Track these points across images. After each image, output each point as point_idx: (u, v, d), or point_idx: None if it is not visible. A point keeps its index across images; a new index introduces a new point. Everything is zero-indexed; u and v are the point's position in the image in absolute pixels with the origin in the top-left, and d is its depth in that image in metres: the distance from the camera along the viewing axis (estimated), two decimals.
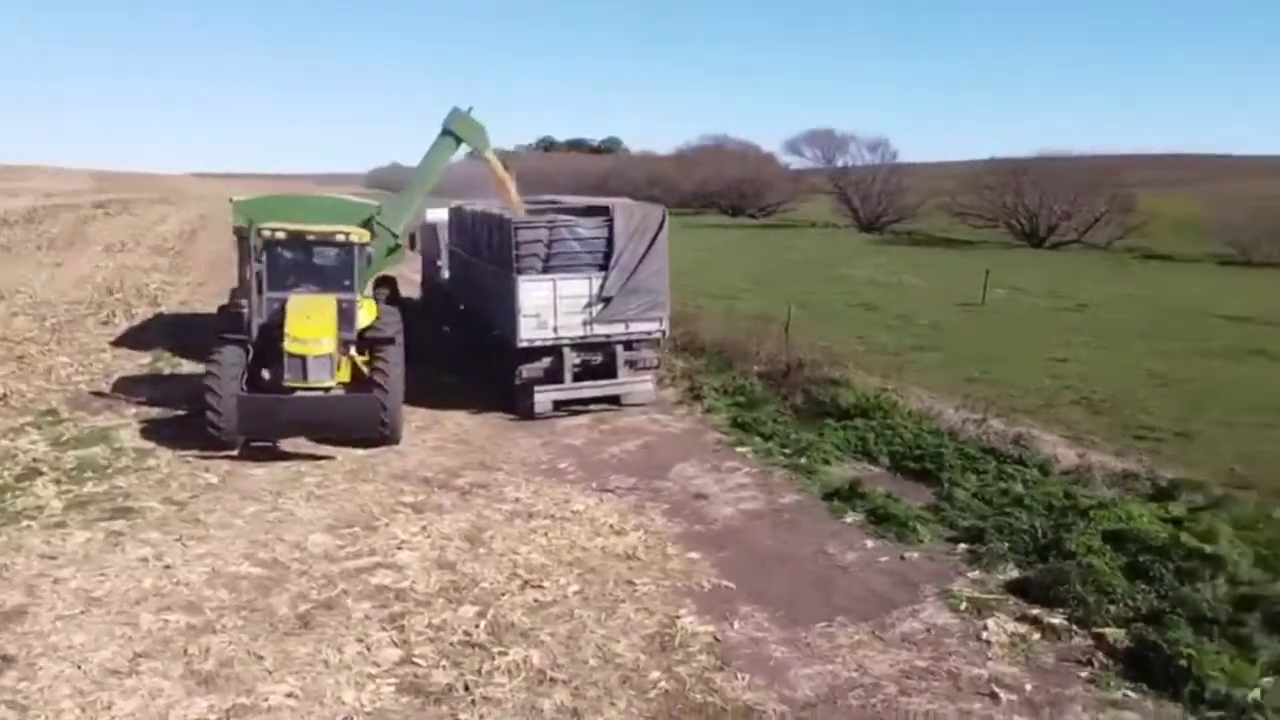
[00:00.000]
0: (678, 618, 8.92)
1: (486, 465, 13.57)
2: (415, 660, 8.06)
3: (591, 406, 16.47)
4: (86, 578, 9.42)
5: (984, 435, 14.09)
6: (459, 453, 14.13)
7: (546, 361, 15.96)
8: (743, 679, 7.86)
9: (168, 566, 9.77)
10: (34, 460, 12.98)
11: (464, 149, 18.74)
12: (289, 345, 13.57)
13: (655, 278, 16.16)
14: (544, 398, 15.94)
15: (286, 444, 13.80)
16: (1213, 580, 9.07)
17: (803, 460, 13.59)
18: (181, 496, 11.89)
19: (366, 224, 17.15)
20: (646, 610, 9.08)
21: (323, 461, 13.37)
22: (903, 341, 23.14)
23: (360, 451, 13.73)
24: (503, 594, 9.34)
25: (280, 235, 14.92)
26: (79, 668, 7.79)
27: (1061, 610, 9.00)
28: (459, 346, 19.94)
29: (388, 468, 13.23)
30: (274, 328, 14.33)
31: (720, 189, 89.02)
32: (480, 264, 17.95)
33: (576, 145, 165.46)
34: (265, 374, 13.92)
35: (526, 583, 9.59)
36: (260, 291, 14.73)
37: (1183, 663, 7.73)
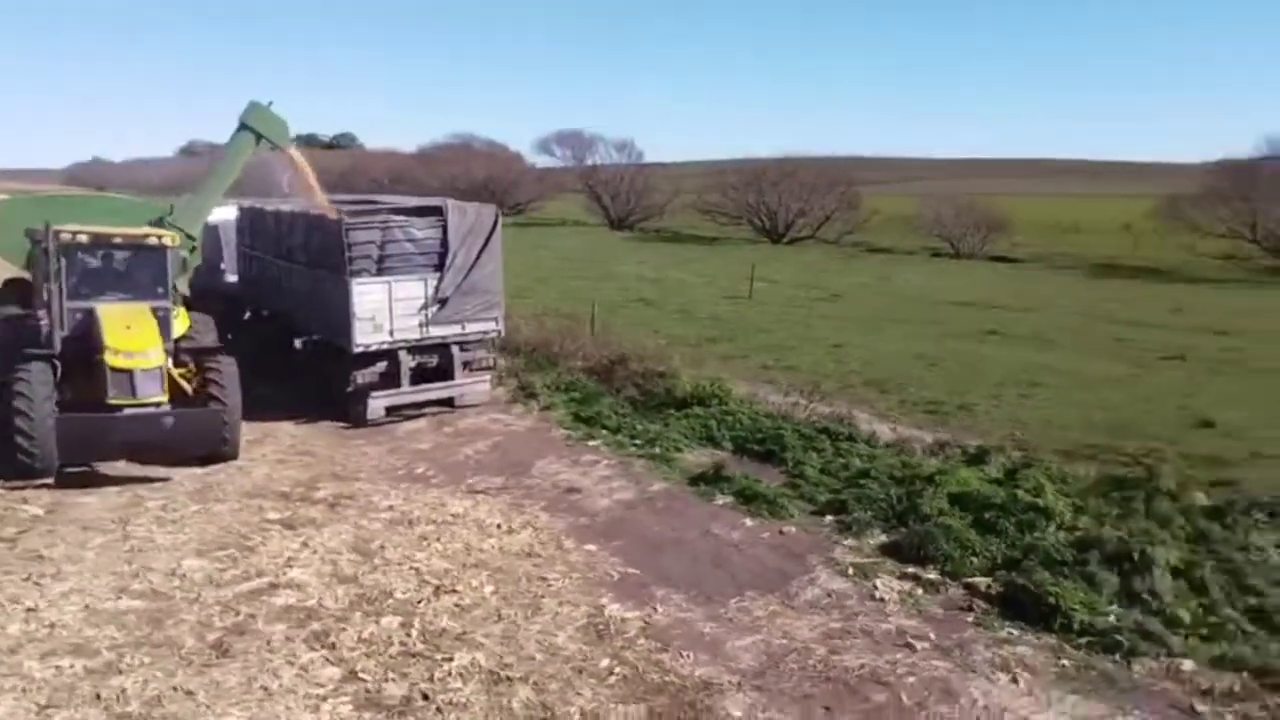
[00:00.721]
0: (602, 606, 9.20)
1: (340, 475, 13.12)
2: (360, 676, 7.85)
3: (425, 409, 16.25)
4: None
5: (811, 416, 15.29)
6: (307, 464, 13.55)
7: (382, 366, 15.57)
8: (688, 656, 8.28)
9: (31, 609, 8.82)
10: None
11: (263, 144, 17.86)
12: (111, 359, 12.45)
13: (491, 278, 16.18)
14: (379, 403, 15.55)
15: (106, 468, 12.68)
16: (1049, 529, 10.52)
17: (656, 450, 14.17)
18: (8, 532, 10.67)
19: (157, 226, 16.04)
20: (569, 603, 9.28)
21: (159, 484, 12.41)
22: (693, 333, 24.31)
23: (197, 470, 12.86)
24: (419, 601, 9.22)
25: (83, 239, 13.64)
26: None
27: (933, 566, 10.11)
28: (260, 355, 18.88)
29: (235, 485, 12.50)
30: (81, 340, 13.12)
31: (468, 187, 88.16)
32: (294, 267, 17.11)
33: (307, 141, 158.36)
34: (64, 392, 12.67)
35: (439, 588, 9.50)
36: (60, 301, 13.37)
37: (1051, 600, 8.98)
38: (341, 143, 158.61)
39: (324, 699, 7.49)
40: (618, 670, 8.03)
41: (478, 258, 15.98)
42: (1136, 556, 9.53)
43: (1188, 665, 8.13)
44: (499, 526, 11.23)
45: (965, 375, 20.05)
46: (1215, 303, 35.61)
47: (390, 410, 15.76)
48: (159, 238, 14.03)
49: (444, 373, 16.18)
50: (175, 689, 7.54)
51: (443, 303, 15.76)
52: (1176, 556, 9.77)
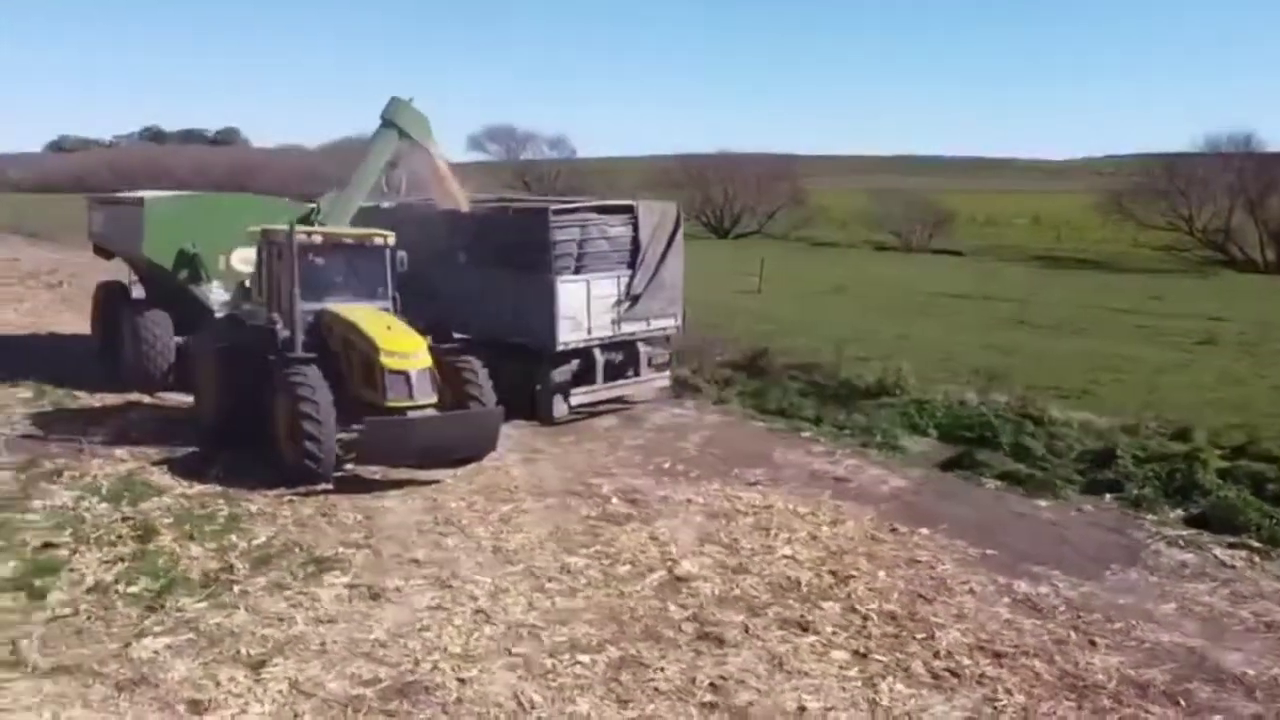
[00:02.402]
0: (1009, 585, 9.67)
1: (598, 471, 13.11)
2: (875, 657, 8.14)
3: (600, 407, 16.32)
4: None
5: (995, 403, 16.06)
6: (551, 461, 13.52)
7: (575, 364, 15.59)
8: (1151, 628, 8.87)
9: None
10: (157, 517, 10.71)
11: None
12: (387, 360, 12.21)
13: (675, 274, 16.38)
14: (570, 401, 15.57)
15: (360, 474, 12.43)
16: None
17: (878, 438, 14.71)
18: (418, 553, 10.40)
19: (304, 224, 15.81)
20: (973, 582, 9.72)
21: (430, 485, 12.20)
22: (745, 327, 24.51)
23: (455, 471, 12.61)
24: (830, 586, 9.53)
25: (316, 240, 13.30)
26: None
27: (1248, 534, 10.98)
28: None
29: (510, 484, 12.41)
30: (320, 342, 12.83)
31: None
32: (475, 268, 16.55)
33: (190, 136, 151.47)
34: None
35: (836, 574, 9.81)
36: (296, 303, 13.01)
37: None
38: (224, 138, 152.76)
39: (852, 679, 7.76)
40: (1100, 641, 8.53)
41: (664, 255, 16.16)
42: None
43: None
44: (814, 515, 11.55)
45: (1048, 363, 21.11)
46: (1182, 291, 38.35)
47: (578, 408, 15.78)
48: (383, 239, 13.76)
49: (624, 369, 16.28)
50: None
51: (634, 300, 15.88)
52: None
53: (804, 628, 8.61)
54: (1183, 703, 7.52)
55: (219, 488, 11.80)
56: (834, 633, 8.55)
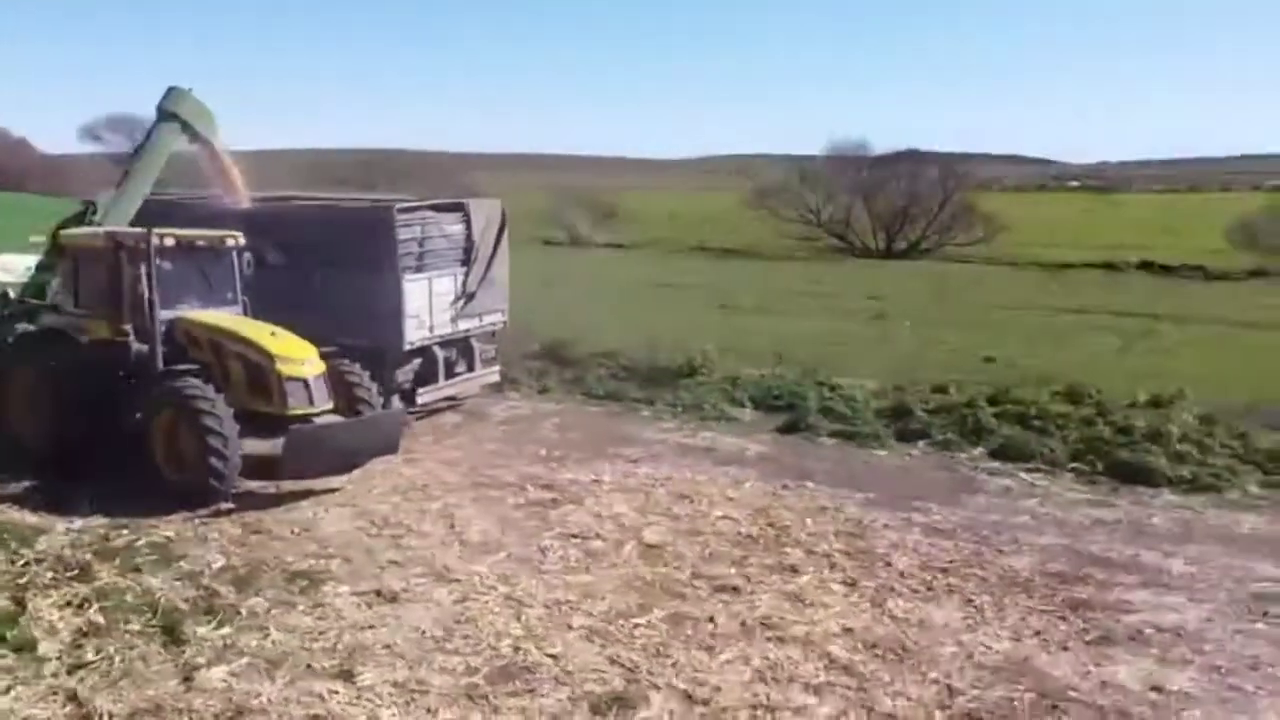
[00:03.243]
0: (911, 519, 11.60)
1: (486, 466, 13.41)
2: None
3: (438, 405, 16.41)
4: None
5: (783, 376, 18.31)
6: (440, 461, 13.58)
7: (417, 363, 15.57)
8: None
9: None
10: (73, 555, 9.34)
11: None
12: (282, 368, 11.72)
13: (503, 270, 16.79)
14: (421, 399, 15.56)
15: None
16: None
17: (712, 413, 16.31)
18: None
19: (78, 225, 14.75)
20: (890, 520, 11.54)
21: (347, 490, 11.93)
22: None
23: (345, 479, 12.33)
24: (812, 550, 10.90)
25: (169, 243, 12.32)
26: None
27: (1036, 460, 13.89)
28: None
29: (400, 480, 12.44)
30: (176, 354, 12.00)
31: None
32: (299, 268, 15.69)
33: None
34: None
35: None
36: (154, 312, 12.02)
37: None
38: None
39: (861, 602, 9.19)
40: (1005, 549, 10.63)
41: (494, 251, 16.53)
42: None
43: None
44: (713, 481, 12.80)
45: (774, 339, 23.65)
46: (833, 274, 44.30)
47: (419, 407, 15.77)
48: (237, 239, 12.99)
49: (457, 366, 16.45)
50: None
51: (470, 297, 16.11)
52: None
53: (793, 569, 9.88)
54: (1090, 583, 9.75)
55: (106, 519, 10.67)
56: (815, 570, 9.91)
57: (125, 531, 10.34)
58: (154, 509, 10.95)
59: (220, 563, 9.59)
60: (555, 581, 9.46)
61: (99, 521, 10.60)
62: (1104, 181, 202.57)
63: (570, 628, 8.47)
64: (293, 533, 10.58)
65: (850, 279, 42.41)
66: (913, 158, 61.30)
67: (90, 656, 7.51)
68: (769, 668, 7.85)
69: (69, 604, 8.44)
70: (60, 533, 10.27)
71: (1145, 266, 54.36)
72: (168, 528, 10.53)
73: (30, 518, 10.68)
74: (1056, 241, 64.88)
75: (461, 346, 16.37)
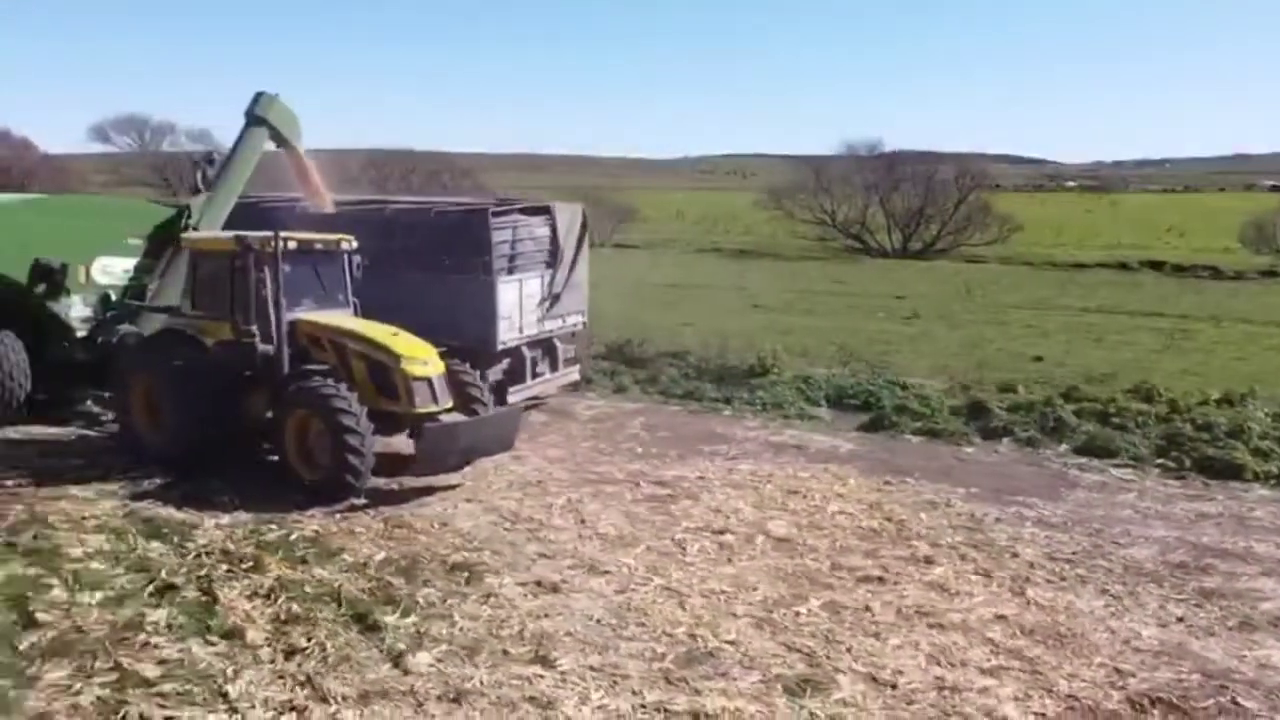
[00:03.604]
0: (1021, 513, 11.98)
1: (591, 463, 13.74)
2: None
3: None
4: None
5: (844, 375, 18.68)
6: (548, 458, 13.91)
7: (506, 363, 15.91)
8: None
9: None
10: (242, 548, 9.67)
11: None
12: (409, 368, 12.04)
13: (584, 273, 17.16)
14: (512, 398, 15.87)
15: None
16: None
17: (792, 411, 16.67)
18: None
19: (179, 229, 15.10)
20: (1000, 514, 11.91)
21: (467, 486, 12.25)
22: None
23: (458, 477, 12.64)
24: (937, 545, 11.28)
25: (291, 245, 12.65)
26: None
27: (1122, 456, 14.28)
28: None
29: (538, 479, 12.76)
30: (298, 354, 12.33)
31: None
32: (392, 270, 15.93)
33: None
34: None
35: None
36: (279, 313, 12.36)
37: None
38: None
39: (1002, 591, 9.55)
40: (1121, 541, 11.01)
41: (576, 254, 16.89)
42: None
43: None
44: (815, 478, 13.14)
45: (818, 337, 24.31)
46: (854, 274, 44.73)
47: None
48: (348, 243, 13.31)
49: (540, 366, 16.80)
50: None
51: (555, 298, 16.47)
52: None
53: (927, 561, 10.24)
54: (1215, 573, 10.13)
55: (246, 515, 10.99)
56: (949, 562, 10.27)
57: (274, 526, 10.65)
58: (290, 505, 11.27)
59: (380, 555, 9.90)
60: (702, 573, 9.78)
61: (244, 517, 10.91)
62: (1099, 181, 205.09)
63: (735, 616, 8.81)
64: (433, 527, 10.88)
65: (872, 279, 42.89)
66: (928, 157, 61.76)
67: (302, 643, 7.81)
68: (939, 652, 8.20)
69: (256, 594, 8.75)
70: (212, 528, 10.57)
71: (1156, 266, 55.16)
72: (311, 523, 10.83)
73: (176, 514, 10.97)
74: (1063, 241, 65.77)
75: (546, 346, 16.75)
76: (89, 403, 15.52)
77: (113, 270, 15.35)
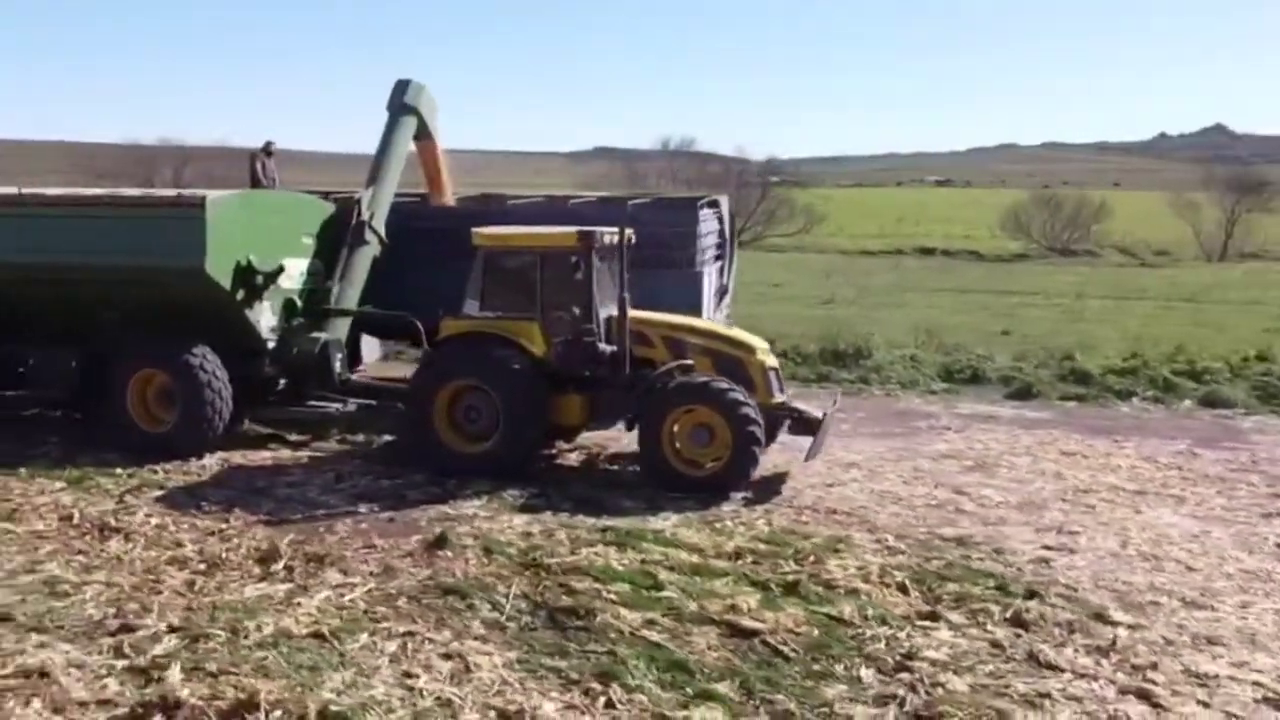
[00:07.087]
0: None
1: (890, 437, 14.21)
2: None
3: None
4: None
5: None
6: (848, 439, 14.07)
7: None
8: None
9: None
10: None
11: None
12: (764, 358, 12.06)
13: (736, 264, 17.37)
14: None
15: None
16: None
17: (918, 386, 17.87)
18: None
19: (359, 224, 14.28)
20: None
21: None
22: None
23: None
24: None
25: (608, 240, 12.22)
26: None
27: None
28: None
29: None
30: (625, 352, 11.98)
31: None
32: None
33: None
34: None
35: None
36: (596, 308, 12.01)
37: None
38: None
39: None
40: None
41: (733, 247, 17.10)
42: None
43: None
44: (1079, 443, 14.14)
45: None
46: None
47: None
48: (630, 237, 12.89)
49: None
50: None
51: (725, 289, 16.61)
52: None
53: None
54: None
55: (677, 515, 10.60)
56: None
57: (727, 522, 10.41)
58: (664, 503, 11.04)
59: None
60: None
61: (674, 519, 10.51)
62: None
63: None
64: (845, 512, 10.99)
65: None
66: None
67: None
68: None
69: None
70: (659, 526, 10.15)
71: (927, 252, 62.25)
72: (726, 512, 10.82)
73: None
74: (834, 233, 70.53)
75: None
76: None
77: (291, 273, 13.70)
